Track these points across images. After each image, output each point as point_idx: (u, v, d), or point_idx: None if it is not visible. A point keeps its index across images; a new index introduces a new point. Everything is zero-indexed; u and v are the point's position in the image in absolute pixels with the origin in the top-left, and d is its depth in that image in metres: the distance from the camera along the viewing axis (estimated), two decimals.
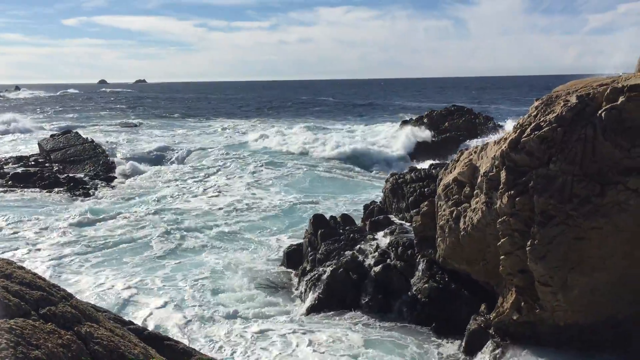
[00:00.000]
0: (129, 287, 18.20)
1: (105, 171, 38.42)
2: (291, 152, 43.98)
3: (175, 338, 8.89)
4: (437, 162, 25.66)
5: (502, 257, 13.42)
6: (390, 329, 15.50)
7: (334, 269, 17.37)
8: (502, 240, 13.30)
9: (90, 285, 18.33)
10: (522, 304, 13.20)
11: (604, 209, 11.75)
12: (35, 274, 4.70)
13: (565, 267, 12.22)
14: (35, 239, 23.21)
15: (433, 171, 21.05)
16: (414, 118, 52.17)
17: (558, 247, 12.16)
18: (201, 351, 10.11)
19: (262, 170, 37.44)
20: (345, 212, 22.77)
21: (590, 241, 11.93)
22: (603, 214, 11.74)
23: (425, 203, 17.20)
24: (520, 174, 12.89)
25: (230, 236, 23.99)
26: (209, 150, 45.58)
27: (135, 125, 70.59)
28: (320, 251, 18.84)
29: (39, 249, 21.93)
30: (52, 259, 20.73)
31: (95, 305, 7.29)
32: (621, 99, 11.92)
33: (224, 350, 14.46)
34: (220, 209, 28.28)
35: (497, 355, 13.33)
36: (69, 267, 20.15)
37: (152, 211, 27.69)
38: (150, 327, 14.92)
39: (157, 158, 44.01)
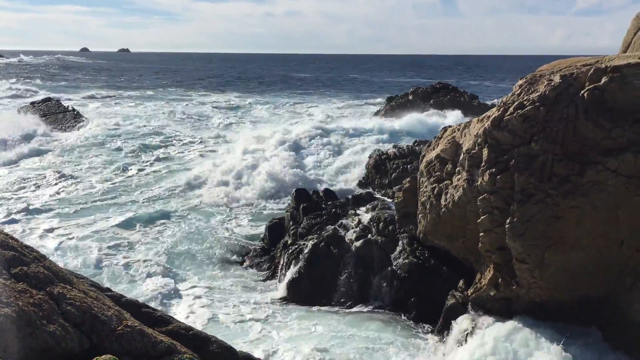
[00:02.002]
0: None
1: None
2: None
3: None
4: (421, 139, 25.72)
5: (481, 234, 13.53)
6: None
7: (315, 242, 17.42)
8: (482, 217, 13.40)
9: None
10: (500, 280, 13.36)
11: (582, 188, 11.86)
12: (7, 235, 4.64)
13: (542, 245, 12.36)
14: None
15: (416, 148, 21.11)
16: (399, 95, 52.11)
17: (536, 225, 12.29)
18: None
19: None
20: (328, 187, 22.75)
21: (568, 220, 12.06)
22: (582, 194, 11.86)
23: (407, 179, 17.25)
24: (502, 152, 12.95)
25: None
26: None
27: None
28: (302, 225, 18.87)
29: None
30: None
31: (73, 271, 7.24)
32: (604, 80, 11.97)
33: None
34: None
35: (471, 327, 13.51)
36: None
37: None
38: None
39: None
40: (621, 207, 11.71)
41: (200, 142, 38.55)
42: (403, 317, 15.67)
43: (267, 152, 31.34)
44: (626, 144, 11.71)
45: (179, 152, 35.32)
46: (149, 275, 17.55)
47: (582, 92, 12.14)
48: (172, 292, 16.66)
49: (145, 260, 18.49)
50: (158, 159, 33.36)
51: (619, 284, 12.30)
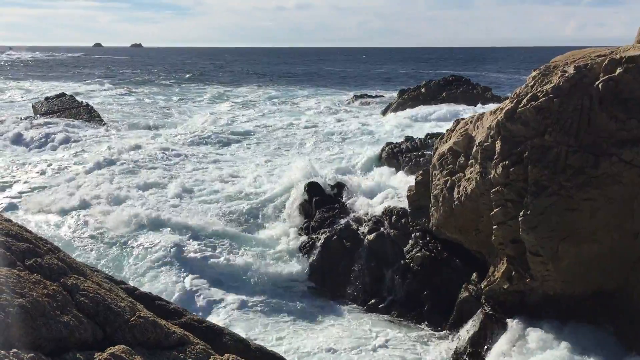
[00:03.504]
0: None
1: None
2: None
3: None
4: (433, 132, 25.60)
5: (494, 226, 13.47)
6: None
7: (327, 236, 17.44)
8: (495, 210, 13.32)
9: None
10: (513, 273, 13.30)
11: (597, 180, 11.75)
12: (22, 227, 4.69)
13: (556, 238, 12.27)
14: None
15: (429, 141, 21.04)
16: (411, 88, 51.89)
17: (550, 217, 12.20)
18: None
19: None
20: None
21: (582, 212, 11.96)
22: (596, 186, 11.75)
23: (420, 172, 17.19)
24: (515, 144, 12.85)
25: None
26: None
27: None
28: (314, 219, 18.89)
29: None
30: None
31: (87, 264, 7.31)
32: (619, 70, 11.84)
33: None
34: None
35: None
36: None
37: None
38: None
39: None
40: (636, 199, 11.60)
41: None
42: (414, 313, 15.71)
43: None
44: None
45: None
46: None
47: (597, 83, 12.01)
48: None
49: None
50: None
51: (634, 277, 12.19)
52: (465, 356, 13.72)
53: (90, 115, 41.43)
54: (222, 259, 17.35)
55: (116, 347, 4.10)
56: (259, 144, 34.99)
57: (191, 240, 18.31)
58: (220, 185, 23.59)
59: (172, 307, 8.06)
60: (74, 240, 18.82)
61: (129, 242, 18.39)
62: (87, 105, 44.44)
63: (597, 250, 12.17)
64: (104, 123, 40.63)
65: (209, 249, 17.91)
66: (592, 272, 12.43)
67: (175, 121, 44.75)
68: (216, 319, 14.15)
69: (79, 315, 4.06)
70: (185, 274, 16.69)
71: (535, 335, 13.03)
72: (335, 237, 17.38)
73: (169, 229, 19.10)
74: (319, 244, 17.46)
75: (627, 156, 11.53)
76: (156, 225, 19.22)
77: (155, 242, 18.03)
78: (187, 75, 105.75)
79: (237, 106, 56.00)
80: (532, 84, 13.12)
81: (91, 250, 18.31)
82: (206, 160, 29.62)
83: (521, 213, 12.55)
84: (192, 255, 17.47)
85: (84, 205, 21.15)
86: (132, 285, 8.74)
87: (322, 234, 17.87)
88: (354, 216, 18.34)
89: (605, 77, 11.95)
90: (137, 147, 31.31)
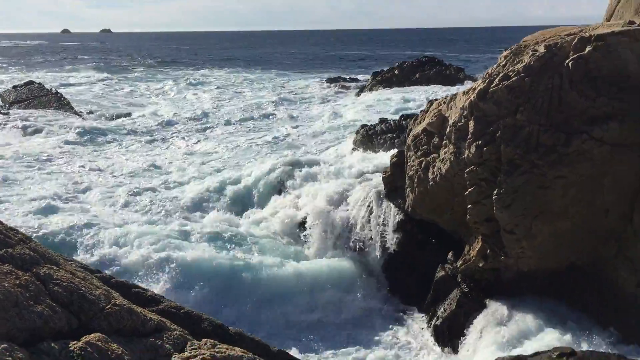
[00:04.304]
0: None
1: None
2: None
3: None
4: (407, 114, 25.72)
5: (469, 206, 13.61)
6: None
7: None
8: (469, 189, 13.46)
9: None
10: (488, 251, 13.48)
11: (568, 158, 11.93)
12: None
13: (529, 215, 12.46)
14: None
15: (403, 122, 21.10)
16: (384, 70, 51.91)
17: (523, 195, 12.37)
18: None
19: None
20: None
21: (554, 190, 12.15)
22: (567, 163, 11.93)
23: (395, 153, 17.28)
24: (488, 123, 12.96)
25: None
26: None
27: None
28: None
29: None
30: None
31: (61, 254, 7.21)
32: (588, 49, 11.97)
33: None
34: None
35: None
36: None
37: None
38: None
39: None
40: (606, 176, 11.81)
41: None
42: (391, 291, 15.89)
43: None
44: (611, 113, 11.76)
45: None
46: None
47: (567, 61, 12.15)
48: None
49: None
50: None
51: (605, 252, 12.45)
52: (443, 335, 13.93)
53: (60, 104, 40.67)
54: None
55: (92, 335, 4.06)
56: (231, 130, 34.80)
57: None
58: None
59: (149, 294, 8.02)
60: None
61: None
62: (57, 93, 43.60)
63: (569, 226, 12.38)
64: (74, 111, 39.95)
65: None
66: (564, 248, 12.66)
67: (141, 107, 44.31)
68: None
69: (52, 304, 4.01)
70: None
71: (510, 312, 13.31)
72: None
73: None
74: None
75: (597, 134, 11.71)
76: None
77: None
78: (156, 61, 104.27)
79: (207, 91, 55.44)
80: (503, 63, 13.22)
81: None
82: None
83: (495, 192, 12.71)
84: None
85: None
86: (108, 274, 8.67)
87: None
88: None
89: (575, 55, 12.09)
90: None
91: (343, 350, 13.60)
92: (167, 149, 30.11)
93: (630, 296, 11.94)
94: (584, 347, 11.28)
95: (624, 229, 11.97)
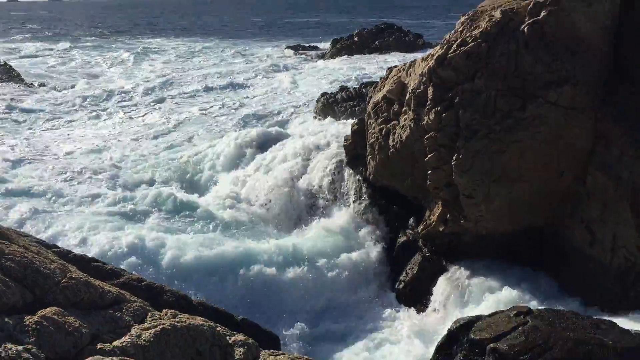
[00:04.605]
0: None
1: None
2: None
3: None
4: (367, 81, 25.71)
5: (429, 172, 13.78)
6: None
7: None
8: (429, 155, 13.61)
9: None
10: (448, 216, 13.71)
11: (524, 122, 12.14)
12: None
13: (487, 180, 12.69)
14: None
15: (364, 90, 21.09)
16: (344, 37, 51.60)
17: (481, 160, 12.57)
18: None
19: None
20: None
21: (511, 154, 12.38)
22: (523, 128, 12.14)
23: (356, 121, 17.30)
24: (446, 89, 13.06)
25: None
26: None
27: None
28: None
29: None
30: None
31: (16, 230, 7.07)
32: (543, 13, 12.11)
33: None
34: None
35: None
36: None
37: None
38: None
39: None
40: (561, 139, 12.08)
41: None
42: None
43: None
44: (565, 77, 11.98)
45: None
46: None
47: (522, 26, 12.27)
48: None
49: None
50: None
51: (561, 213, 12.81)
52: (406, 298, 14.19)
53: (9, 75, 39.31)
54: None
55: (47, 309, 3.99)
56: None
57: None
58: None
59: (108, 267, 7.93)
60: None
61: None
62: (5, 64, 42.10)
63: (526, 189, 12.67)
64: (25, 83, 38.66)
65: None
66: (522, 210, 12.96)
67: (95, 78, 43.14)
68: None
69: (5, 279, 3.92)
70: None
71: (471, 274, 13.64)
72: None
73: None
74: None
75: (552, 97, 11.93)
76: None
77: None
78: (109, 30, 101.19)
79: (164, 61, 54.18)
80: (461, 29, 13.27)
81: None
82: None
83: (454, 157, 12.88)
84: None
85: None
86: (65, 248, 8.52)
87: None
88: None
89: (530, 20, 12.21)
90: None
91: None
92: (120, 120, 29.39)
93: (584, 255, 12.35)
94: (541, 305, 11.66)
95: (578, 191, 12.31)
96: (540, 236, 13.23)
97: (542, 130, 12.07)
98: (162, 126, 27.19)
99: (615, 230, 11.63)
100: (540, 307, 11.12)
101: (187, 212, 17.09)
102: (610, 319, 10.81)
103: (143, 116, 29.95)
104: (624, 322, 10.75)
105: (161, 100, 33.81)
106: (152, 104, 33.19)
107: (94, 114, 30.81)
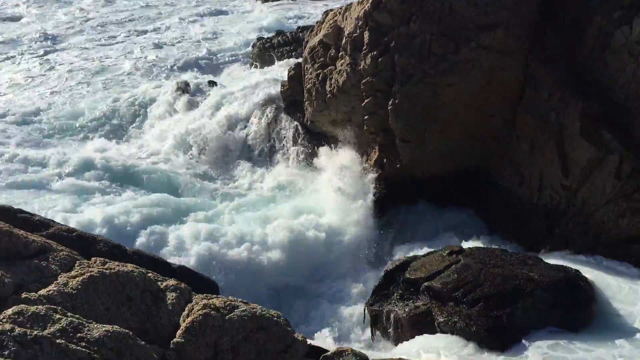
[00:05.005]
0: None
1: None
2: None
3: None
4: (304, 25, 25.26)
5: (365, 117, 13.86)
6: None
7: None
8: (365, 100, 13.65)
9: None
10: (385, 160, 13.89)
11: (457, 66, 12.29)
12: None
13: (422, 124, 12.88)
14: None
15: (300, 34, 20.75)
16: None
17: (416, 105, 12.71)
18: None
19: None
20: None
21: (445, 98, 12.56)
22: (457, 71, 12.30)
23: (292, 67, 17.06)
24: (382, 34, 13.01)
25: None
26: None
27: None
28: None
29: None
30: None
31: None
32: None
33: None
34: None
35: None
36: None
37: None
38: None
39: None
40: (492, 82, 12.32)
41: None
42: None
43: None
44: (497, 21, 12.11)
45: None
46: None
47: None
48: None
49: None
50: None
51: (492, 155, 13.19)
52: None
53: None
54: None
55: None
56: None
57: None
58: None
59: (36, 219, 7.68)
60: None
61: None
62: None
63: (459, 132, 12.95)
64: None
65: None
66: (455, 153, 13.27)
67: None
68: None
69: None
70: None
71: (406, 217, 14.01)
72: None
73: None
74: None
75: (484, 41, 12.09)
76: None
77: None
78: None
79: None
80: None
81: None
82: None
83: (390, 102, 12.97)
84: None
85: None
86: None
87: None
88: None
89: None
90: None
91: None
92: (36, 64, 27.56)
93: (513, 195, 12.84)
94: (473, 244, 12.09)
95: (509, 133, 12.68)
96: (472, 178, 13.61)
97: (475, 74, 12.26)
98: (81, 72, 25.78)
99: (542, 171, 12.11)
100: (471, 246, 11.60)
101: (119, 163, 16.61)
102: (536, 255, 11.42)
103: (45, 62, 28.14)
104: (549, 258, 11.37)
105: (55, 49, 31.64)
106: (70, 49, 31.17)
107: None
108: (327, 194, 14.78)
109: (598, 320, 9.96)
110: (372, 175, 14.02)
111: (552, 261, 11.10)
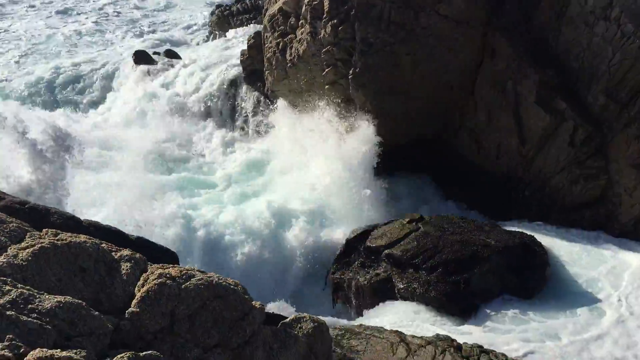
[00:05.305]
0: None
1: None
2: None
3: None
4: None
5: (326, 86, 13.78)
6: None
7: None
8: (326, 70, 13.56)
9: None
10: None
11: (416, 35, 12.28)
12: None
13: (383, 93, 12.89)
14: None
15: (260, 2, 20.41)
16: None
17: (377, 74, 12.69)
18: None
19: None
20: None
21: (405, 67, 12.56)
22: (416, 40, 12.29)
23: (252, 35, 16.79)
24: (342, 2, 12.86)
25: None
26: None
27: None
28: None
29: None
30: None
31: None
32: None
33: None
34: None
35: None
36: None
37: None
38: None
39: None
40: (451, 52, 12.36)
41: None
42: None
43: None
44: None
45: None
46: None
47: None
48: None
49: None
50: None
51: (451, 124, 13.32)
52: None
53: None
54: None
55: None
56: None
57: None
58: None
59: None
60: None
61: None
62: None
63: (419, 102, 12.99)
64: None
65: None
66: (415, 122, 13.33)
67: None
68: None
69: None
70: None
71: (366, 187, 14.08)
72: None
73: None
74: None
75: (443, 10, 12.09)
76: None
77: None
78: None
79: None
80: None
81: None
82: None
83: (350, 72, 12.92)
84: None
85: None
86: None
87: None
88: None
89: None
90: None
91: None
92: None
93: (471, 163, 13.03)
94: (431, 212, 12.28)
95: (466, 102, 12.80)
96: (434, 146, 13.74)
97: (434, 43, 12.28)
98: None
99: (499, 140, 12.30)
100: (430, 214, 11.78)
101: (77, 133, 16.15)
102: (494, 222, 11.67)
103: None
104: (505, 224, 11.64)
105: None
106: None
107: None
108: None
109: (552, 283, 10.30)
110: None
111: (508, 227, 11.38)
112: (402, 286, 10.16)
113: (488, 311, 9.62)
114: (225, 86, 16.86)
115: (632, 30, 10.39)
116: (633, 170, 10.77)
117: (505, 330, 9.17)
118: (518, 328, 9.15)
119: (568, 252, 10.91)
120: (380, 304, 10.28)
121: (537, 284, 10.19)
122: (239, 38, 19.24)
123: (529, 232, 11.04)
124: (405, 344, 8.53)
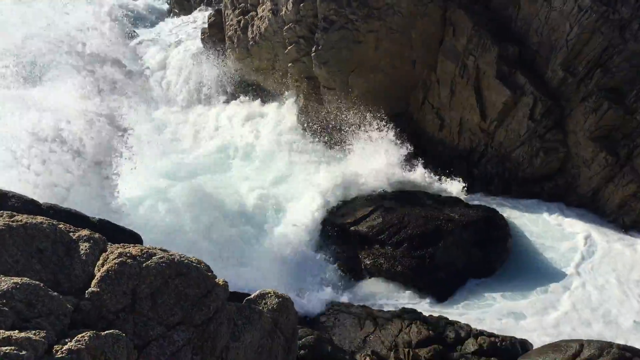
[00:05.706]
0: None
1: None
2: None
3: None
4: None
5: (289, 64, 13.69)
6: None
7: None
8: (288, 47, 13.46)
9: None
10: (310, 107, 13.83)
11: (379, 12, 12.24)
12: None
13: (346, 71, 12.85)
14: None
15: None
16: None
17: (340, 51, 12.64)
18: None
19: None
20: None
21: (368, 44, 12.54)
22: (378, 17, 12.26)
23: (212, 13, 16.53)
24: None
25: None
26: None
27: None
28: None
29: None
30: None
31: None
32: None
33: None
34: None
35: None
36: None
37: None
38: None
39: None
40: (413, 29, 12.36)
41: None
42: None
43: None
44: None
45: None
46: None
47: None
48: None
49: None
50: None
51: (415, 100, 13.36)
52: None
53: None
54: None
55: None
56: None
57: None
58: None
59: None
60: None
61: None
62: None
63: (382, 78, 13.00)
64: None
65: None
66: (379, 99, 13.33)
67: None
68: None
69: None
70: None
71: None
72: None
73: None
74: None
75: None
76: None
77: None
78: None
79: None
80: None
81: None
82: None
83: (313, 49, 12.84)
84: None
85: None
86: None
87: None
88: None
89: None
90: None
91: None
92: None
93: (435, 139, 13.13)
94: (395, 188, 12.34)
95: (429, 78, 12.85)
96: (398, 123, 13.77)
97: (396, 20, 12.26)
98: None
99: (461, 115, 12.41)
100: (394, 190, 11.87)
101: None
102: (456, 196, 11.84)
103: None
104: (468, 199, 11.82)
105: None
106: None
107: None
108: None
109: (514, 255, 10.54)
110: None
111: (471, 201, 11.57)
112: (368, 262, 10.26)
113: (450, 297, 9.86)
114: (187, 65, 16.58)
115: (589, 4, 10.54)
116: (590, 143, 11.00)
117: (475, 307, 9.45)
118: (488, 308, 9.44)
119: (529, 223, 11.16)
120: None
121: (499, 256, 10.41)
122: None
123: (491, 206, 11.24)
124: (373, 318, 8.65)
